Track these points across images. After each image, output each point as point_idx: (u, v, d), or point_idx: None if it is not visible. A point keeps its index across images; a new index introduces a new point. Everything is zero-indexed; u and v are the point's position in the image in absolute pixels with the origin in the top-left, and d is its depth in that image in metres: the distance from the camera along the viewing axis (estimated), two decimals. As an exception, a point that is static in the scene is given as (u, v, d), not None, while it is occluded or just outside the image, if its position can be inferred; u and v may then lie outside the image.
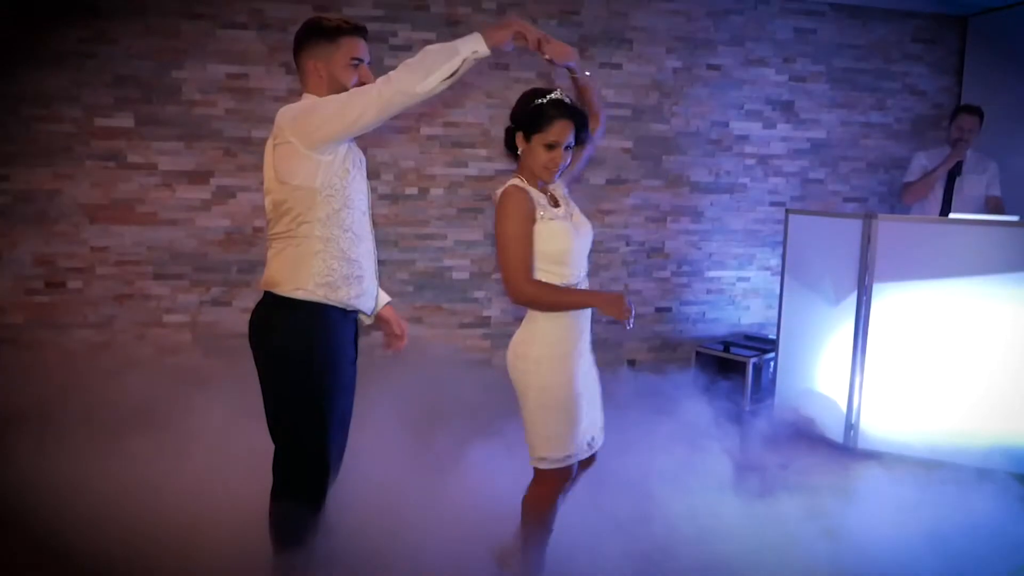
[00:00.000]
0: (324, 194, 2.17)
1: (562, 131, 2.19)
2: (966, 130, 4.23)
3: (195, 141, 4.38)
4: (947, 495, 3.26)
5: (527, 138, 2.24)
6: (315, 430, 2.23)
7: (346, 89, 2.18)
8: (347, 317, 2.30)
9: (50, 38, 4.16)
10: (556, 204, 2.33)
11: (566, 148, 2.22)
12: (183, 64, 4.32)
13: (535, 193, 2.26)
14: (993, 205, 4.29)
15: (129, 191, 4.34)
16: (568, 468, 2.35)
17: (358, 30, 2.23)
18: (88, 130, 4.27)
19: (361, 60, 2.24)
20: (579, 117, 2.22)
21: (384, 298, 2.54)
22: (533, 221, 2.22)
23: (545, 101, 2.20)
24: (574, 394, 2.29)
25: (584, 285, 2.36)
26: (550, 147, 2.20)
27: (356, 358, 2.40)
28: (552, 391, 2.27)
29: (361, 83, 2.21)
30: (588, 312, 2.35)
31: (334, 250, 2.20)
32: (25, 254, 4.27)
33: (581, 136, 2.26)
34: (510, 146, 2.32)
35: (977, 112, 4.29)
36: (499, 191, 2.28)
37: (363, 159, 2.36)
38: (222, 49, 4.33)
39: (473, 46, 2.05)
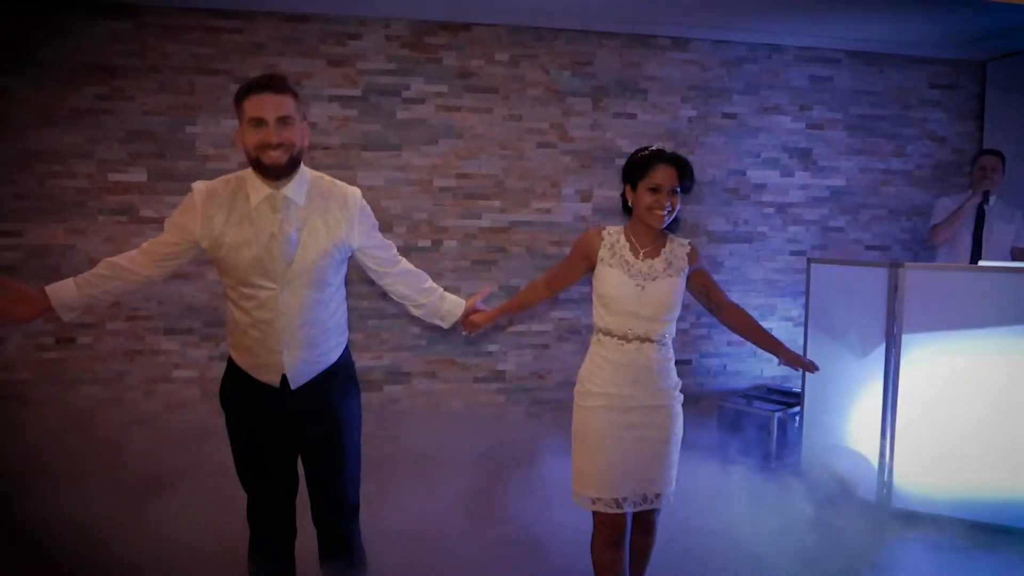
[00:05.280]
0: (221, 268, 2.20)
1: (665, 175, 2.31)
2: (989, 168, 4.17)
3: (208, 195, 4.36)
4: (988, 560, 3.07)
5: (634, 188, 2.38)
6: (235, 465, 2.32)
7: (251, 155, 2.06)
8: (257, 383, 2.24)
9: (66, 96, 4.21)
10: (642, 256, 2.40)
11: (673, 194, 2.33)
12: (197, 119, 4.35)
13: (616, 240, 2.43)
14: (1018, 255, 4.20)
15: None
16: (605, 515, 2.38)
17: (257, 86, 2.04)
18: (101, 185, 4.28)
19: (263, 119, 2.01)
20: (681, 163, 2.34)
21: (457, 303, 2.55)
22: (587, 258, 2.45)
23: (648, 151, 2.37)
24: (592, 433, 2.39)
25: (633, 338, 2.39)
26: (654, 190, 2.32)
27: (292, 430, 2.28)
28: (577, 424, 2.46)
29: (265, 143, 2.02)
30: (630, 362, 2.39)
31: (231, 315, 2.24)
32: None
33: (685, 184, 2.35)
34: (625, 207, 2.46)
35: (998, 154, 4.25)
36: None
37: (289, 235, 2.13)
38: (236, 104, 4.34)
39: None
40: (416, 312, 2.52)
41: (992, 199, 4.18)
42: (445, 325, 2.56)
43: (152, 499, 3.36)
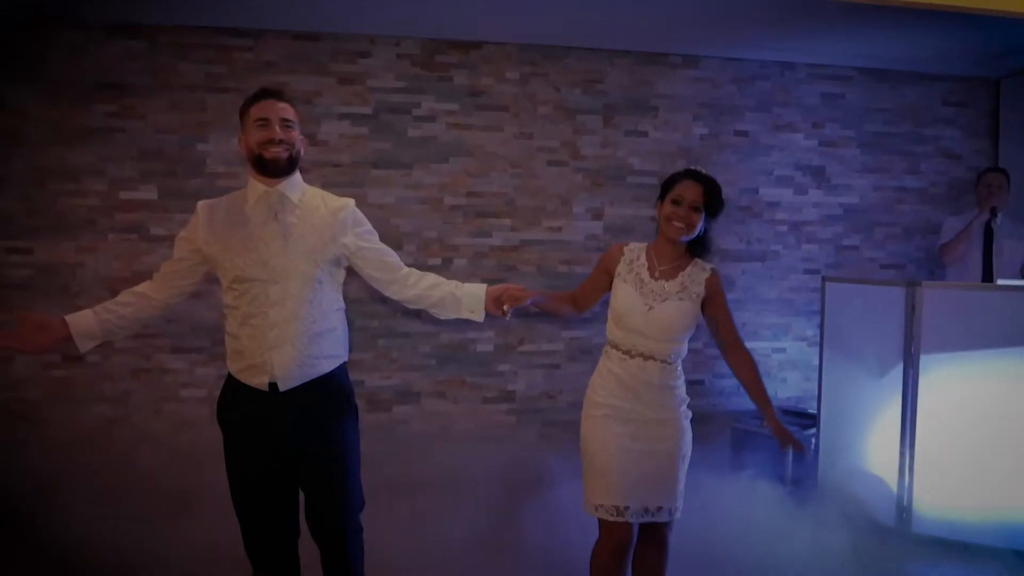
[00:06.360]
0: (218, 272, 2.27)
1: (688, 189, 2.38)
2: (994, 186, 4.18)
3: (218, 213, 4.35)
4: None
5: (662, 201, 2.44)
6: (230, 487, 2.30)
7: (254, 153, 2.21)
8: (250, 389, 2.24)
9: (78, 114, 4.22)
10: (658, 276, 2.43)
11: (694, 210, 2.37)
12: (207, 137, 4.35)
13: (636, 256, 2.48)
14: None
15: (151, 263, 4.30)
16: (609, 524, 2.39)
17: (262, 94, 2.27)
18: (112, 203, 4.28)
19: (268, 119, 2.21)
20: (709, 183, 2.39)
21: (479, 286, 2.44)
22: (608, 272, 2.51)
23: (680, 169, 2.45)
24: (594, 441, 2.43)
25: (636, 354, 2.41)
26: (675, 202, 2.38)
27: (290, 437, 2.24)
28: (583, 432, 2.50)
29: (268, 139, 2.20)
30: (633, 377, 2.40)
31: (227, 324, 2.29)
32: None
33: (712, 206, 2.39)
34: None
35: (1003, 172, 4.27)
36: None
37: (281, 226, 2.24)
38: (247, 122, 4.34)
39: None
40: (436, 311, 2.44)
41: (999, 216, 4.14)
42: (476, 316, 2.42)
43: (160, 519, 3.33)
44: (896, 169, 5.26)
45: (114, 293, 4.08)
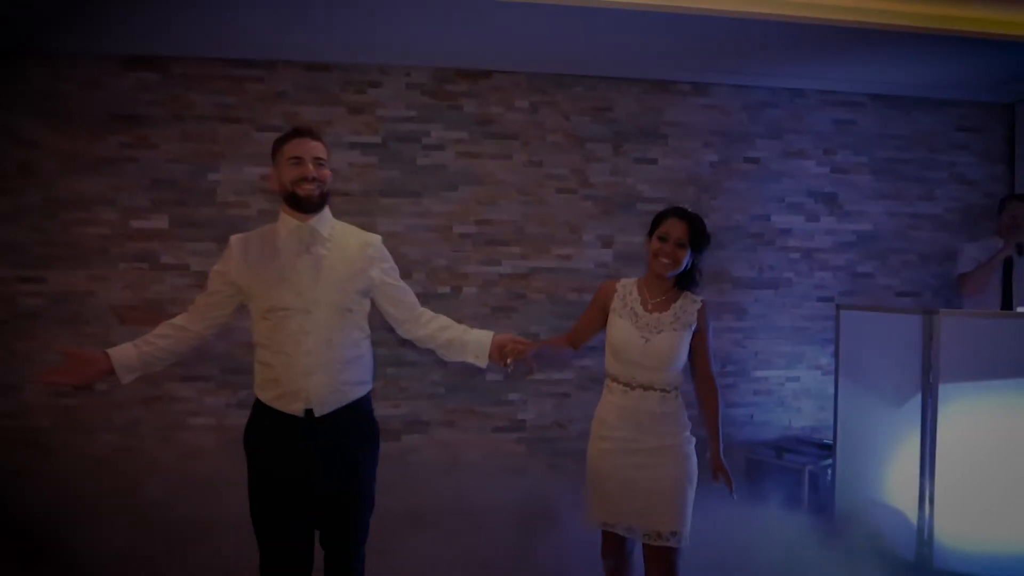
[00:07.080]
0: (250, 303, 2.36)
1: (673, 226, 2.51)
2: (1020, 217, 4.06)
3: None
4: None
5: (650, 238, 2.57)
6: (251, 513, 2.33)
7: (287, 190, 2.30)
8: (282, 416, 2.30)
9: (92, 144, 4.27)
10: (651, 308, 2.56)
11: (680, 246, 2.50)
12: (219, 167, 4.38)
13: (629, 291, 2.61)
14: None
15: (161, 292, 4.32)
16: (604, 535, 2.60)
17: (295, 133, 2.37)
18: (123, 232, 4.31)
19: (302, 158, 2.30)
20: (693, 220, 2.52)
21: (485, 333, 2.54)
22: (603, 307, 2.63)
23: (668, 208, 2.59)
24: (599, 474, 2.56)
25: (636, 385, 2.54)
26: (662, 239, 2.52)
27: (320, 464, 2.29)
28: (588, 461, 2.62)
29: (302, 177, 2.29)
30: (634, 407, 2.52)
31: (258, 354, 2.36)
32: (55, 356, 4.22)
33: (697, 242, 2.52)
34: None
35: None
36: None
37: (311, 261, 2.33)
38: (257, 152, 4.37)
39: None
40: (443, 352, 2.55)
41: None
42: (480, 361, 2.54)
43: (169, 548, 3.33)
44: (910, 195, 5.21)
45: (123, 321, 4.21)
